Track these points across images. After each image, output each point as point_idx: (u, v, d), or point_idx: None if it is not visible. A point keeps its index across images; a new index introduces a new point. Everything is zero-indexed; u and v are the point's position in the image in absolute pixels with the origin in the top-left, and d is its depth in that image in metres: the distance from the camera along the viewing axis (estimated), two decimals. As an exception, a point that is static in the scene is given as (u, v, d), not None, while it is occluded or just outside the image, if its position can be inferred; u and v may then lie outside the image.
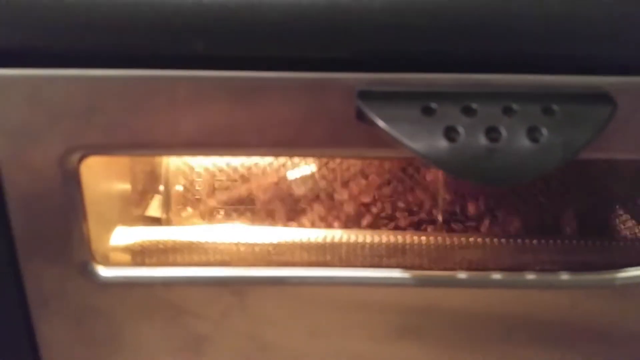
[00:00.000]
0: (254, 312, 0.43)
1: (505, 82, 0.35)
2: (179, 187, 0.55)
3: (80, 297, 0.42)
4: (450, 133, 0.34)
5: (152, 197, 0.58)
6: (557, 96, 0.35)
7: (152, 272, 0.43)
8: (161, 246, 0.48)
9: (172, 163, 0.55)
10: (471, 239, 0.48)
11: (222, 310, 0.43)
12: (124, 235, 0.49)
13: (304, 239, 0.48)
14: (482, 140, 0.33)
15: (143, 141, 0.38)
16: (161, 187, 0.55)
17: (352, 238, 0.49)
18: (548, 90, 0.35)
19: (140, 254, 0.48)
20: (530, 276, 0.41)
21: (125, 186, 0.54)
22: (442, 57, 0.35)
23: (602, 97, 0.36)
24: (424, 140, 0.33)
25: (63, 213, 0.40)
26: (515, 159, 0.33)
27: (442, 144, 0.33)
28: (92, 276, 0.42)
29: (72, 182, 0.39)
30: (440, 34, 0.35)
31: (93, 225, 0.43)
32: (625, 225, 0.54)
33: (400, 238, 0.49)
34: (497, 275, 0.42)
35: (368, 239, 0.49)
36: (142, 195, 0.58)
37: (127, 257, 0.48)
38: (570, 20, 0.35)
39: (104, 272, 0.42)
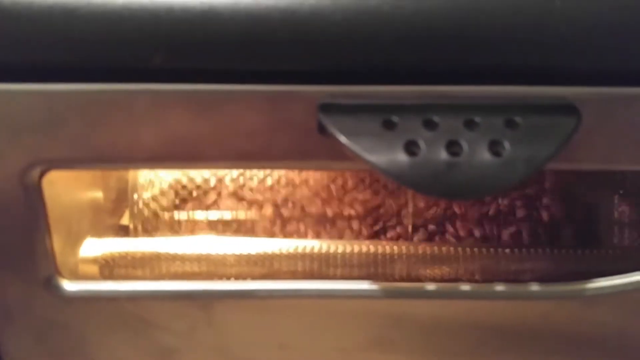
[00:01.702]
0: (222, 325, 0.43)
1: (468, 94, 0.35)
2: (148, 196, 0.55)
3: (46, 311, 0.42)
4: (410, 147, 0.33)
5: (127, 206, 0.58)
6: (521, 108, 0.35)
7: (118, 286, 0.42)
8: (130, 258, 0.48)
9: (141, 173, 0.54)
10: (444, 249, 0.48)
11: (189, 324, 0.43)
12: (93, 247, 0.48)
13: (276, 250, 0.48)
14: (443, 154, 0.33)
15: (104, 155, 0.38)
16: (131, 196, 0.54)
17: (324, 248, 0.48)
18: (511, 101, 0.35)
19: (109, 266, 0.48)
20: (500, 287, 0.41)
21: (98, 196, 0.54)
22: (404, 69, 0.35)
23: (567, 108, 0.35)
24: (384, 155, 0.33)
25: (26, 228, 0.39)
26: (476, 173, 0.32)
27: (402, 158, 0.33)
28: (57, 290, 0.41)
29: (33, 196, 0.38)
30: (402, 46, 0.34)
31: (59, 238, 0.43)
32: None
33: (372, 248, 0.48)
34: (466, 287, 0.41)
35: (340, 249, 0.48)
36: (117, 204, 0.57)
37: (96, 269, 0.48)
38: (534, 31, 0.35)
39: (69, 286, 0.41)
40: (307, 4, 0.34)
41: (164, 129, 0.37)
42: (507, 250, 0.47)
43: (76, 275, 0.46)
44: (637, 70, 0.36)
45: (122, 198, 0.57)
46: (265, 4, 0.34)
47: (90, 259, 0.48)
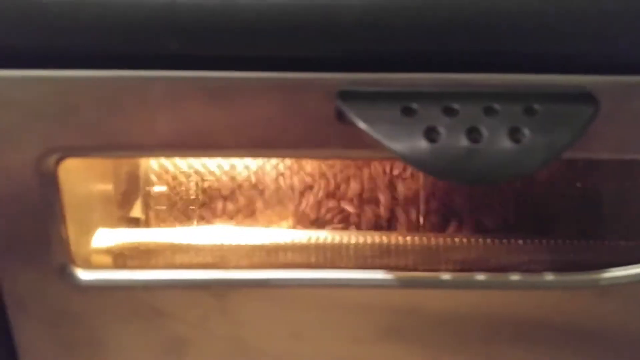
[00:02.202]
0: (235, 314, 0.43)
1: (487, 82, 0.35)
2: (160, 188, 0.55)
3: (59, 300, 0.42)
4: (430, 134, 0.33)
5: (137, 197, 0.58)
6: (540, 96, 0.35)
7: (131, 275, 0.42)
8: (143, 248, 0.48)
9: (153, 163, 0.54)
10: (457, 239, 0.48)
11: (202, 313, 0.42)
12: (105, 237, 0.48)
13: (288, 240, 0.48)
14: (463, 140, 0.33)
15: (120, 142, 0.37)
16: (142, 188, 0.54)
17: (337, 239, 0.48)
18: (530, 89, 0.35)
19: (122, 256, 0.47)
20: (514, 277, 0.41)
21: (109, 187, 0.54)
22: (423, 56, 0.35)
23: (585, 97, 0.35)
24: (404, 142, 0.33)
25: (41, 215, 0.39)
26: (496, 159, 0.32)
27: (423, 144, 0.33)
28: (71, 279, 0.41)
29: (49, 184, 0.38)
30: (421, 33, 0.34)
31: (73, 227, 0.43)
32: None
33: (385, 239, 0.48)
34: (480, 277, 0.41)
35: (353, 240, 0.48)
36: (127, 195, 0.57)
37: (108, 259, 0.48)
38: (553, 18, 0.35)
39: (84, 275, 0.41)
40: (326, -9, 0.34)
41: (179, 116, 0.37)
42: (520, 241, 0.47)
43: (89, 265, 0.46)
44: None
45: (132, 190, 0.57)
46: (283, -9, 0.34)
47: (104, 249, 0.47)
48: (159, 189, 0.56)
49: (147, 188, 0.55)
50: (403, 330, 0.44)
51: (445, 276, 0.41)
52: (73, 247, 0.42)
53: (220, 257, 0.48)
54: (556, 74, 0.35)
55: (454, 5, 0.34)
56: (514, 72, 0.35)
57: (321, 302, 0.43)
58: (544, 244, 0.48)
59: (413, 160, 0.33)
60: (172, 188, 0.56)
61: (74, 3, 0.34)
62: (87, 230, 0.48)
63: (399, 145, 0.33)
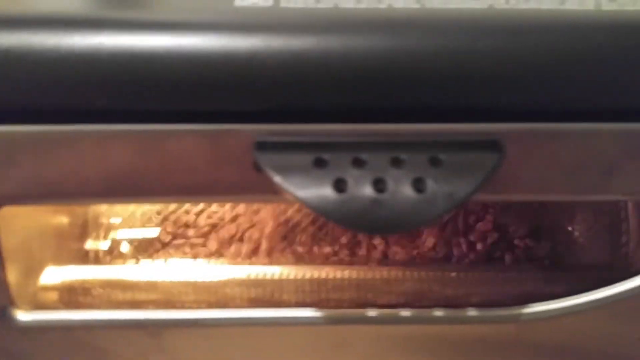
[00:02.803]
0: (173, 353, 0.44)
1: (396, 132, 0.37)
2: (115, 220, 0.57)
3: (1, 342, 0.43)
4: (339, 184, 0.35)
5: (92, 231, 0.59)
6: (446, 145, 0.36)
7: (71, 315, 0.43)
8: (88, 285, 0.49)
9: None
10: (393, 273, 0.50)
11: (142, 351, 0.44)
12: (53, 275, 0.50)
13: (230, 277, 0.50)
14: (369, 191, 0.34)
15: (54, 192, 0.39)
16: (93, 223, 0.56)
17: (277, 273, 0.50)
18: (437, 138, 0.37)
19: (68, 294, 0.49)
20: (438, 313, 0.43)
21: (63, 222, 0.55)
22: (335, 107, 0.37)
23: (490, 144, 0.37)
24: (313, 192, 0.35)
25: (-20, 261, 0.41)
26: (400, 209, 0.34)
27: (330, 195, 0.34)
28: (11, 321, 0.42)
29: (-14, 232, 0.40)
30: (331, 86, 0.36)
31: (17, 268, 0.44)
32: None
33: (324, 273, 0.50)
34: (405, 313, 0.43)
35: (292, 274, 0.50)
36: (84, 229, 0.59)
37: (56, 297, 0.49)
38: (458, 70, 0.36)
39: (24, 316, 0.43)
40: (243, 49, 0.36)
41: (110, 166, 0.38)
42: (453, 274, 0.49)
43: (36, 304, 0.48)
44: (558, 107, 0.37)
45: (87, 224, 0.58)
46: (203, 50, 0.36)
47: (50, 286, 0.49)
48: (111, 221, 0.58)
49: (99, 222, 0.57)
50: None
51: (372, 312, 0.43)
52: (18, 288, 0.43)
53: (165, 293, 0.50)
54: (463, 123, 0.37)
55: (361, 60, 0.36)
56: (421, 121, 0.37)
57: (257, 338, 0.44)
58: (478, 275, 0.50)
59: (320, 210, 0.34)
60: (124, 222, 0.58)
61: (5, 63, 0.36)
62: (37, 268, 0.49)
63: (307, 195, 0.34)
